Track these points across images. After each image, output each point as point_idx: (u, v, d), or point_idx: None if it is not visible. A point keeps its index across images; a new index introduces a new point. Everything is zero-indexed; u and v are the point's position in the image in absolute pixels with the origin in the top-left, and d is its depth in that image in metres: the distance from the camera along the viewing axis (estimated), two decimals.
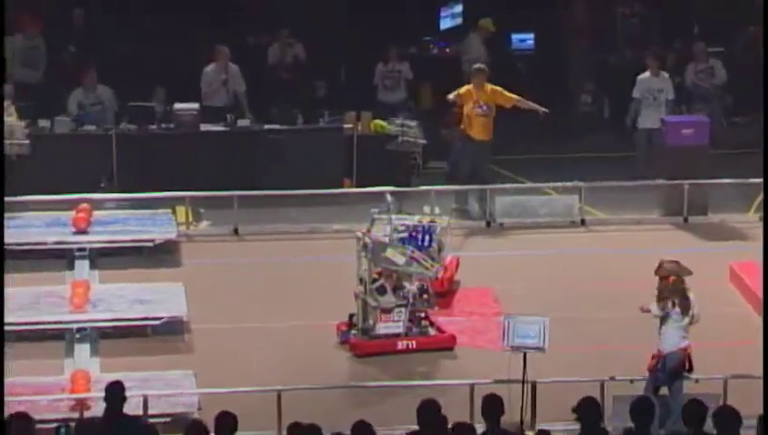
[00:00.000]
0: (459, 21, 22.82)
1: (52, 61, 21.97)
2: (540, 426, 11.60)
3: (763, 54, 19.53)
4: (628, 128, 21.34)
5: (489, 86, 19.78)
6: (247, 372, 14.84)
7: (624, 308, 15.84)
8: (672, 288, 14.20)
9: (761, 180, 17.79)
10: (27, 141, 19.97)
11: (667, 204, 20.05)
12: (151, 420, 12.87)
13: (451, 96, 19.86)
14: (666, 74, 21.29)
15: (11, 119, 19.83)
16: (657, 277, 14.39)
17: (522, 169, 20.92)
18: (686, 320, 14.14)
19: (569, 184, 20.18)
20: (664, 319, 14.17)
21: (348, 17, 22.31)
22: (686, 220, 19.82)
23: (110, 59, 21.41)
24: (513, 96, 19.81)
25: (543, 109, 19.84)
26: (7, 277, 17.63)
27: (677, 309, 14.10)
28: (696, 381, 14.09)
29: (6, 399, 13.56)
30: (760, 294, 15.95)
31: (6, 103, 19.88)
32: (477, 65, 19.95)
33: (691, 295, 14.24)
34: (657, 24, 23.36)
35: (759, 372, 12.86)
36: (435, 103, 20.61)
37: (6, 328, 16.18)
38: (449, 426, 11.45)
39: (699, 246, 18.92)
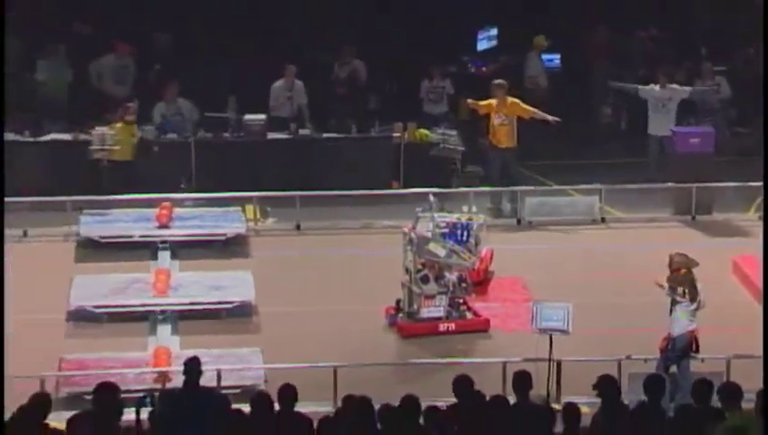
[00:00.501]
0: (494, 43, 22.76)
1: (139, 78, 22.04)
2: (564, 400, 11.54)
3: (763, 61, 19.38)
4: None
5: (509, 99, 19.78)
6: (307, 350, 14.85)
7: (639, 296, 15.82)
8: (682, 278, 14.21)
9: (761, 184, 17.69)
10: (117, 148, 20.02)
11: (677, 204, 20.00)
12: (224, 392, 12.90)
13: (470, 101, 19.94)
14: (674, 85, 21.18)
15: (115, 128, 19.91)
16: (669, 269, 14.38)
17: (549, 173, 20.89)
18: (694, 306, 14.13)
19: (590, 186, 20.14)
20: (674, 305, 14.16)
21: (398, 39, 22.25)
22: (693, 219, 19.76)
23: (190, 75, 21.44)
24: (530, 108, 19.82)
25: (556, 119, 19.79)
26: (99, 265, 17.83)
27: (687, 297, 14.10)
28: (702, 360, 14.07)
29: (98, 372, 13.70)
30: (759, 284, 15.92)
31: (125, 116, 20.01)
32: (497, 81, 19.94)
33: (698, 285, 14.23)
34: (669, 46, 23.25)
35: (758, 352, 12.78)
36: (472, 115, 20.59)
37: (99, 310, 16.37)
38: (486, 398, 11.49)
39: (705, 241, 18.85)
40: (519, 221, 19.81)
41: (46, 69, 21.72)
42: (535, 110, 19.81)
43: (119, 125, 19.95)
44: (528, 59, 22.72)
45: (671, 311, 14.22)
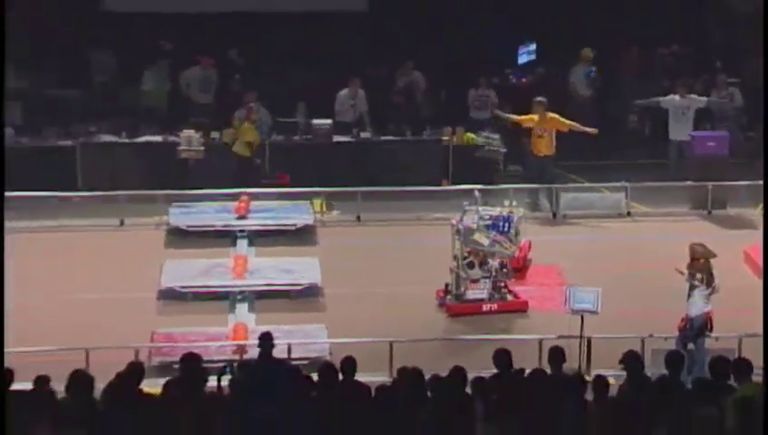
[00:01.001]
0: (533, 57, 22.68)
1: (221, 87, 22.13)
2: (594, 372, 11.51)
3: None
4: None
5: (549, 114, 19.68)
6: (366, 326, 14.86)
7: (660, 281, 15.71)
8: (701, 266, 14.15)
9: None
10: (202, 148, 20.13)
11: (695, 200, 19.86)
12: (293, 363, 12.94)
13: (514, 117, 19.90)
14: (692, 95, 21.07)
15: (241, 128, 20.06)
16: (689, 256, 14.32)
17: (581, 172, 20.80)
18: (709, 291, 14.05)
19: (618, 184, 20.03)
20: (692, 290, 14.09)
21: (448, 54, 22.23)
22: (709, 213, 19.62)
23: (265, 85, 21.50)
24: (567, 122, 19.66)
25: (593, 130, 19.70)
26: (186, 251, 17.92)
27: (704, 283, 14.04)
28: (717, 338, 13.98)
29: (184, 344, 13.77)
30: None
31: (249, 119, 20.13)
32: (537, 99, 19.85)
33: (714, 272, 14.16)
34: (688, 60, 23.10)
35: None
36: (514, 125, 20.56)
37: (185, 290, 16.45)
38: (526, 371, 11.49)
39: (720, 233, 18.72)
40: (554, 215, 19.73)
41: (151, 79, 21.84)
42: (573, 123, 19.66)
43: (245, 125, 20.04)
44: (575, 69, 22.61)
45: (689, 295, 14.14)
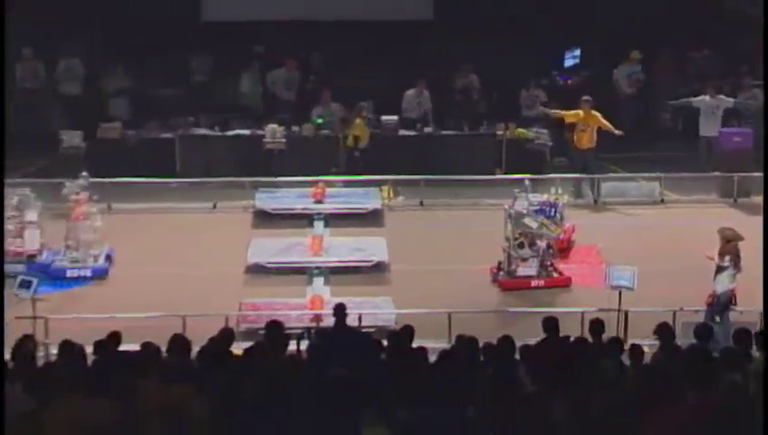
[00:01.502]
0: (578, 61, 22.55)
1: (302, 86, 22.19)
2: (630, 341, 11.44)
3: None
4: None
5: (593, 112, 19.58)
6: (428, 299, 14.81)
7: (690, 261, 15.55)
8: (730, 248, 14.05)
9: None
10: (284, 140, 20.20)
11: (722, 189, 19.67)
12: (363, 330, 12.97)
13: (561, 113, 19.78)
14: (721, 96, 20.86)
15: (355, 124, 20.11)
16: (719, 238, 14.21)
17: (620, 164, 20.64)
18: (736, 271, 13.94)
19: (653, 174, 19.88)
20: (720, 269, 13.98)
21: (502, 58, 22.15)
22: (735, 201, 19.40)
23: (339, 85, 21.54)
24: (605, 122, 19.54)
25: (620, 133, 19.52)
26: (269, 231, 18.01)
27: (731, 263, 13.92)
28: (741, 312, 13.84)
29: (268, 312, 13.83)
30: None
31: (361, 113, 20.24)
32: (584, 97, 19.72)
33: (741, 254, 14.05)
34: (717, 64, 22.83)
35: None
36: (557, 117, 20.46)
37: (269, 265, 16.53)
38: (570, 339, 11.46)
39: (744, 219, 18.46)
40: (595, 201, 19.61)
41: (247, 81, 21.94)
42: (607, 124, 19.54)
43: (357, 121, 20.10)
44: (618, 69, 22.47)
45: (716, 274, 14.04)
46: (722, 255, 14.06)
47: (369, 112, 20.79)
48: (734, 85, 22.11)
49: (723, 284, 13.96)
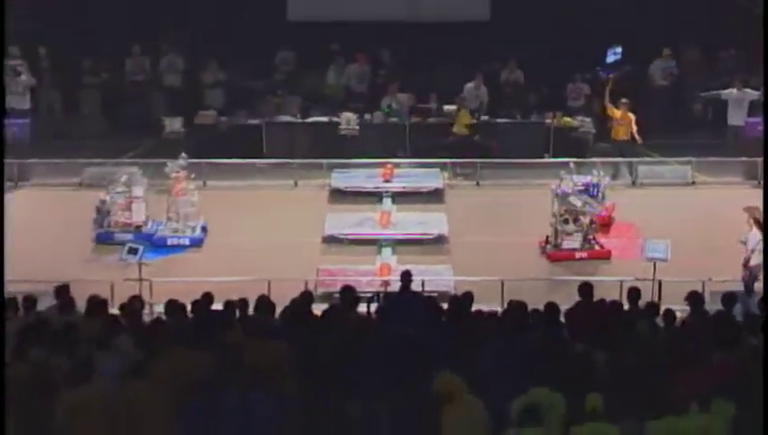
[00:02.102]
0: (619, 57, 22.26)
1: (372, 79, 22.16)
2: (664, 307, 11.37)
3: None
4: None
5: (629, 113, 19.34)
6: (483, 267, 14.74)
7: (720, 237, 15.43)
8: (758, 228, 13.89)
9: None
10: (357, 127, 20.21)
11: (747, 172, 19.35)
12: (426, 295, 12.98)
13: (608, 105, 19.58)
14: (747, 89, 20.53)
15: (458, 114, 20.07)
16: (747, 218, 14.06)
17: (656, 149, 20.34)
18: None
19: (685, 159, 19.62)
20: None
21: (551, 54, 21.96)
22: (759, 183, 19.03)
23: (406, 78, 21.48)
24: (633, 126, 19.25)
25: (639, 139, 19.32)
26: (343, 207, 18.04)
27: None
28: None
29: (342, 278, 13.91)
30: None
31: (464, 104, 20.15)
32: (623, 100, 19.48)
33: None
34: (744, 60, 22.44)
35: None
36: (601, 108, 20.25)
37: (343, 236, 16.58)
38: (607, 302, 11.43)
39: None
40: (633, 182, 19.39)
41: (333, 74, 21.95)
42: (635, 129, 19.25)
43: (461, 111, 20.06)
44: (653, 64, 22.20)
45: (749, 249, 13.88)
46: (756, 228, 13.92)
47: (435, 103, 20.72)
48: (758, 80, 21.72)
49: (756, 258, 13.82)
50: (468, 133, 20.12)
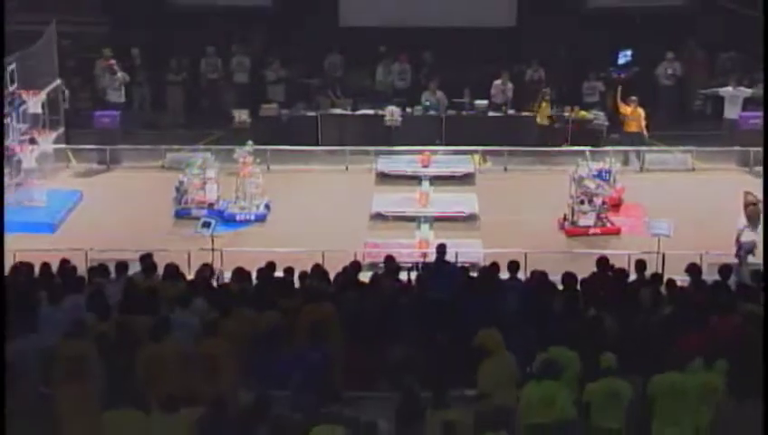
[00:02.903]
0: (630, 59, 21.89)
1: (414, 77, 21.93)
2: (667, 277, 11.21)
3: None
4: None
5: (638, 108, 18.97)
6: (509, 241, 14.55)
7: (715, 215, 15.19)
8: (752, 209, 13.66)
9: None
10: (400, 119, 20.04)
11: (741, 160, 18.99)
12: (459, 265, 12.88)
13: (619, 102, 19.28)
14: (741, 87, 20.13)
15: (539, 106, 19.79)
16: (743, 201, 13.83)
17: (662, 139, 19.99)
18: (753, 227, 13.56)
19: (686, 148, 19.27)
20: (746, 223, 13.63)
21: (568, 55, 21.67)
22: (750, 169, 18.67)
23: (443, 75, 21.23)
24: (642, 121, 18.89)
25: (647, 133, 18.97)
26: (387, 188, 17.92)
27: (752, 222, 13.53)
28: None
29: (386, 250, 13.78)
30: None
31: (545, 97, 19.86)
32: (632, 97, 19.11)
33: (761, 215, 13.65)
34: (739, 61, 21.99)
35: None
36: (613, 105, 19.92)
37: (387, 214, 16.50)
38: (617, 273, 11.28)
39: (758, 183, 17.77)
40: (641, 169, 19.05)
41: (382, 72, 21.76)
42: (643, 124, 18.91)
43: (543, 105, 19.79)
44: (659, 66, 21.80)
45: (741, 227, 13.67)
46: (749, 216, 13.67)
47: (468, 98, 20.47)
48: (751, 79, 21.32)
49: (748, 236, 13.61)
50: (549, 123, 19.80)
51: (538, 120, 19.88)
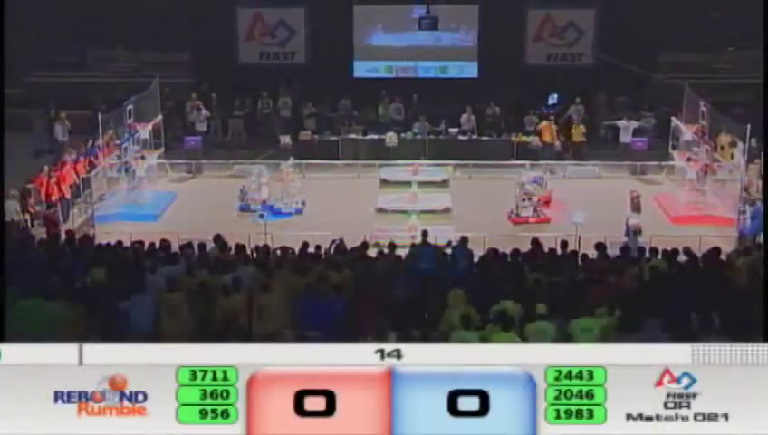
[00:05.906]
0: (556, 100, 21.63)
1: (405, 112, 21.62)
2: (582, 252, 11.19)
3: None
4: None
5: (552, 125, 18.83)
6: (473, 225, 14.29)
7: (615, 209, 14.96)
8: (636, 202, 13.64)
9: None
10: (396, 141, 19.55)
11: (632, 170, 18.60)
12: (436, 245, 12.56)
13: (542, 129, 19.08)
14: (632, 121, 19.71)
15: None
16: (630, 195, 13.85)
17: (578, 157, 19.75)
18: (639, 214, 13.50)
19: (596, 162, 18.94)
20: (632, 211, 13.63)
21: (515, 97, 21.52)
22: (637, 177, 18.41)
23: (426, 111, 20.82)
24: (555, 132, 18.81)
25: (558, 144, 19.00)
26: (388, 190, 17.65)
27: (637, 209, 13.49)
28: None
29: (387, 233, 13.59)
30: (671, 211, 15.12)
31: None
32: (554, 126, 18.94)
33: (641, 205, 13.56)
34: (629, 103, 21.57)
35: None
36: (548, 131, 19.53)
37: (388, 208, 16.32)
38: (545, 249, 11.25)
39: (643, 187, 17.73)
40: (564, 176, 18.83)
41: (382, 108, 21.45)
42: (548, 139, 18.75)
43: (579, 125, 19.55)
44: (570, 109, 21.29)
45: (628, 214, 13.70)
46: (632, 206, 13.70)
47: (444, 126, 20.21)
48: (638, 115, 21.23)
49: (634, 220, 13.65)
50: (583, 141, 19.44)
51: (574, 138, 19.30)
